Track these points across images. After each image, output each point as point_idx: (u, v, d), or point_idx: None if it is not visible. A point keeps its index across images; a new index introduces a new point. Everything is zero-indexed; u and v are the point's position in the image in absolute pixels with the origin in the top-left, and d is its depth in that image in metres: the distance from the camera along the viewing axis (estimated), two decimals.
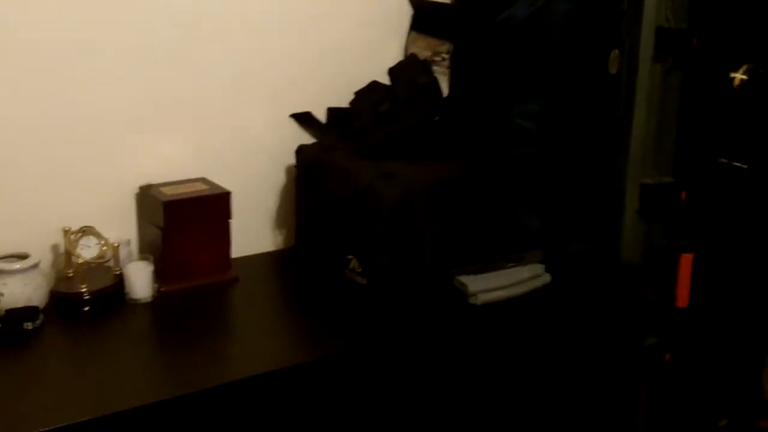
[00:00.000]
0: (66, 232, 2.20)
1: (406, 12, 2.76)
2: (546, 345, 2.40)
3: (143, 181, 2.38)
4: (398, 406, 2.16)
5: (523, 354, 2.36)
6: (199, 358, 1.99)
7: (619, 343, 2.54)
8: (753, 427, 2.65)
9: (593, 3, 2.32)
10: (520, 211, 2.44)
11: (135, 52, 2.32)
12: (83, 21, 2.23)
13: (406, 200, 2.23)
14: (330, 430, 2.08)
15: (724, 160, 2.39)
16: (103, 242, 2.25)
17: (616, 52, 2.29)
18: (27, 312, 2.06)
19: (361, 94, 2.55)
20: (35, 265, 2.14)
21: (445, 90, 2.55)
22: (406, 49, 2.74)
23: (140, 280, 2.24)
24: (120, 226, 2.37)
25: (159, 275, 2.29)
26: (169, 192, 2.32)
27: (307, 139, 2.64)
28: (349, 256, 2.37)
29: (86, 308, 2.18)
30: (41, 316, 2.08)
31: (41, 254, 2.21)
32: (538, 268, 2.41)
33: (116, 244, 2.26)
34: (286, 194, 2.66)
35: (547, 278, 2.41)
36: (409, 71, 2.50)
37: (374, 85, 2.56)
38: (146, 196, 2.35)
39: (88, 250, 2.24)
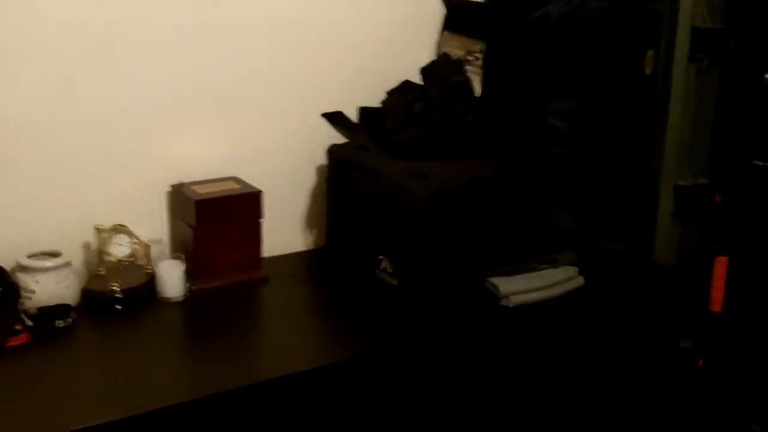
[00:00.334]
0: (98, 231, 2.21)
1: (439, 11, 2.74)
2: (578, 348, 2.38)
3: (175, 180, 2.38)
4: (429, 406, 2.15)
5: (556, 357, 2.34)
6: (231, 358, 1.99)
7: (653, 347, 2.52)
8: None
9: (629, 2, 2.30)
10: (553, 211, 2.42)
11: (168, 50, 2.32)
12: (118, 18, 2.23)
13: (438, 200, 2.22)
14: (360, 430, 2.07)
15: (759, 163, 2.37)
16: (134, 240, 2.26)
17: (651, 52, 2.27)
18: (59, 310, 2.06)
19: (393, 94, 2.55)
20: (67, 263, 2.15)
21: (477, 89, 2.54)
22: (439, 48, 2.73)
23: (172, 279, 2.24)
24: (152, 225, 2.37)
25: (190, 274, 2.28)
26: (201, 191, 2.32)
27: (339, 138, 2.64)
28: (381, 257, 2.36)
29: (118, 306, 2.17)
30: (73, 314, 2.08)
31: (73, 252, 2.22)
32: (571, 270, 2.39)
33: (148, 243, 2.26)
34: (317, 194, 2.65)
35: (580, 281, 2.38)
36: (442, 70, 2.49)
37: (407, 85, 2.55)
38: (178, 194, 2.35)
39: (119, 249, 2.24)
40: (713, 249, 2.43)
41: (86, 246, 2.29)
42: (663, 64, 2.27)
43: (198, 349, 2.08)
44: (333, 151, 2.54)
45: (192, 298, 2.26)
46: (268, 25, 2.47)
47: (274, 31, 2.48)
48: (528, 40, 2.41)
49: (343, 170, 2.48)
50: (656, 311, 2.50)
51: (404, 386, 2.10)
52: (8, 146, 2.15)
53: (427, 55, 2.74)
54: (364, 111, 2.66)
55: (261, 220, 2.38)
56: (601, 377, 2.45)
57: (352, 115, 2.66)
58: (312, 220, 2.68)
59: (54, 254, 2.14)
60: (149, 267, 2.26)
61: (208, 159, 2.44)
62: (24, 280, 2.09)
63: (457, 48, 2.67)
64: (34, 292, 2.08)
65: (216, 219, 2.30)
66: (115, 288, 2.18)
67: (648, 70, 2.29)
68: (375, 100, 2.60)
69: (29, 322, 2.01)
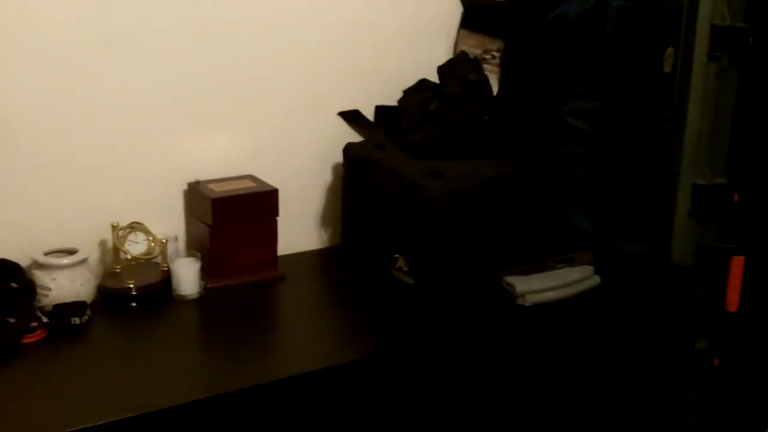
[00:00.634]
0: (114, 228, 2.21)
1: (456, 9, 2.74)
2: (594, 348, 2.37)
3: (191, 178, 2.38)
4: (444, 405, 2.15)
5: (571, 356, 2.33)
6: (246, 355, 1.99)
7: (668, 347, 2.51)
8: None
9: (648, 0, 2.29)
10: (570, 210, 2.41)
11: (187, 49, 2.33)
12: (137, 15, 2.23)
13: (454, 199, 2.21)
14: (375, 428, 2.06)
15: None
16: (150, 238, 2.26)
17: (670, 50, 2.26)
18: (75, 307, 2.07)
19: (409, 92, 2.54)
20: (83, 261, 2.15)
21: (495, 88, 2.53)
22: (456, 46, 2.72)
23: (187, 277, 2.24)
24: (167, 223, 2.37)
25: (206, 272, 2.29)
26: (218, 189, 2.32)
27: (355, 137, 2.64)
28: (396, 255, 2.35)
29: (133, 304, 2.18)
30: (88, 312, 2.08)
31: (90, 250, 2.22)
32: (587, 269, 2.38)
33: (164, 240, 2.26)
34: (333, 192, 2.65)
35: (596, 280, 2.37)
36: (458, 69, 2.48)
37: (423, 83, 2.55)
38: (194, 192, 2.35)
39: (135, 246, 2.25)
40: (730, 249, 2.42)
41: (102, 243, 2.30)
42: (682, 62, 2.26)
43: (213, 347, 2.08)
44: (349, 149, 2.53)
45: (207, 296, 2.27)
46: (286, 24, 2.47)
47: (291, 30, 2.48)
48: (546, 39, 2.40)
49: (359, 169, 2.47)
50: (673, 311, 2.49)
51: (419, 385, 2.10)
52: (26, 145, 2.16)
53: (443, 53, 2.73)
54: (381, 110, 2.65)
55: (277, 219, 2.38)
56: (616, 377, 2.44)
57: (369, 114, 2.66)
58: (327, 218, 2.67)
59: (70, 252, 2.15)
60: (165, 265, 2.26)
61: (225, 157, 2.44)
62: (40, 277, 2.10)
63: (474, 46, 2.66)
64: (50, 289, 2.09)
65: (232, 217, 2.30)
66: (130, 285, 2.18)
67: (667, 69, 2.28)
68: (391, 98, 2.59)
69: (45, 319, 2.02)
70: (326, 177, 2.65)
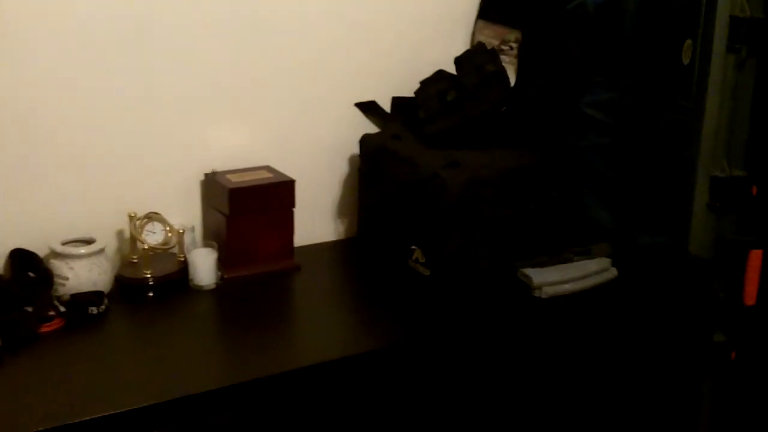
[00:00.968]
0: (132, 218, 2.21)
1: (473, 0, 2.72)
2: (611, 340, 2.36)
3: (208, 168, 2.38)
4: (460, 396, 2.14)
5: (588, 348, 2.33)
6: (263, 345, 1.98)
7: (686, 340, 2.50)
8: None
9: None
10: (589, 202, 2.40)
11: (202, 40, 2.32)
12: (156, 8, 2.24)
13: (471, 190, 2.20)
14: (391, 418, 2.06)
15: None
16: (168, 228, 2.26)
17: (689, 41, 2.25)
18: (92, 296, 2.07)
19: (426, 83, 2.53)
20: (101, 250, 2.15)
21: (512, 79, 2.52)
22: (473, 37, 2.71)
23: (204, 267, 2.24)
24: (185, 213, 2.38)
25: (222, 262, 2.29)
26: (235, 179, 2.32)
27: (372, 128, 2.63)
28: (413, 246, 2.35)
29: (150, 294, 2.18)
30: (106, 301, 2.09)
31: (107, 239, 2.22)
32: (605, 261, 2.37)
33: (181, 231, 2.26)
34: (349, 183, 2.65)
35: (614, 272, 2.36)
36: (476, 60, 2.47)
37: (440, 74, 2.54)
38: (211, 182, 2.35)
39: (153, 236, 2.25)
40: (748, 242, 2.41)
41: (120, 233, 2.30)
42: (701, 53, 2.25)
43: (229, 337, 2.08)
44: (365, 140, 2.53)
45: (224, 286, 2.27)
46: (303, 16, 2.46)
47: (309, 22, 2.48)
48: (564, 30, 2.39)
49: (375, 159, 2.47)
50: (690, 304, 2.48)
51: (436, 376, 2.09)
52: (44, 134, 2.16)
53: (461, 44, 2.72)
54: (397, 101, 2.65)
55: (293, 209, 2.38)
56: (633, 370, 2.44)
57: (386, 105, 2.65)
58: (344, 209, 2.67)
59: (88, 241, 2.15)
60: (182, 255, 2.27)
61: (242, 148, 2.44)
62: (58, 266, 2.10)
63: (491, 37, 2.65)
64: (67, 278, 2.09)
65: (249, 208, 2.30)
66: (147, 275, 2.19)
67: (686, 60, 2.27)
68: (408, 89, 2.58)
69: (62, 309, 2.02)
70: (343, 168, 2.65)
